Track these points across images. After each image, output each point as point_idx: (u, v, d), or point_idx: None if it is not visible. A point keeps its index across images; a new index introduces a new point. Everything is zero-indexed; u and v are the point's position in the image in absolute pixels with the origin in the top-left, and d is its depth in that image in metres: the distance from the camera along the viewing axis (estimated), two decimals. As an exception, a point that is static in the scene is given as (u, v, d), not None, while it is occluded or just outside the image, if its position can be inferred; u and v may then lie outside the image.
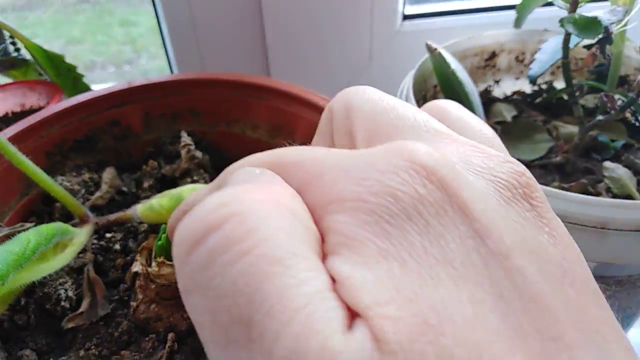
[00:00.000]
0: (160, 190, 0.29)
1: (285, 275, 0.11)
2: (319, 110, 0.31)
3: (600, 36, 0.32)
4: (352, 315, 0.11)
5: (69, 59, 0.39)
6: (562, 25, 0.33)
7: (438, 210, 0.12)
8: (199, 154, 0.32)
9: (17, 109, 0.46)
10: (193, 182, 0.32)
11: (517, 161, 0.14)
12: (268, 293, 0.10)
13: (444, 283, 0.11)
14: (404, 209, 0.12)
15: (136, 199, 0.32)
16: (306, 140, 0.21)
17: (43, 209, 0.31)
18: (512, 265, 0.11)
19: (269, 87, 0.34)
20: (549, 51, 0.37)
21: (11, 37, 0.46)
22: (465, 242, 0.11)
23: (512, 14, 0.47)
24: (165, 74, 0.34)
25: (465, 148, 0.14)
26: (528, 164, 0.41)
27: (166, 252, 0.25)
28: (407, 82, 0.38)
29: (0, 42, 0.48)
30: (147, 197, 0.30)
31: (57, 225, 0.24)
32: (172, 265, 0.25)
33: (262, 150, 0.16)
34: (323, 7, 0.49)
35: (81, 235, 0.27)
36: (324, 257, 0.12)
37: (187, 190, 0.27)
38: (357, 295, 0.11)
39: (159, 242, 0.25)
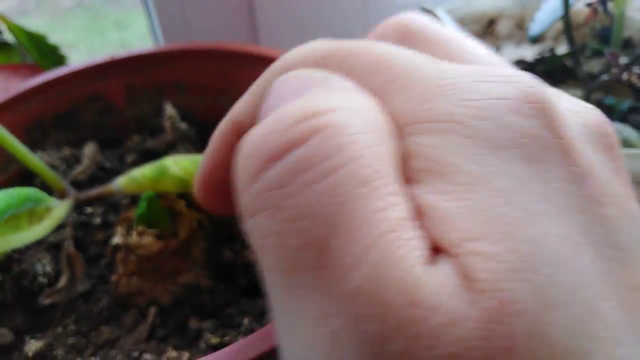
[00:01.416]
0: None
1: (372, 197, 0.09)
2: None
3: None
4: (435, 249, 0.10)
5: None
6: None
7: (543, 146, 0.11)
8: (184, 125, 0.31)
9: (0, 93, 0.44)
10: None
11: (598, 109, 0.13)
12: (351, 216, 0.09)
13: (542, 220, 0.10)
14: (510, 139, 0.10)
15: (119, 175, 0.30)
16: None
17: (22, 185, 0.29)
18: (605, 213, 0.11)
19: (256, 55, 0.32)
20: (548, 10, 0.35)
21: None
22: (565, 182, 0.11)
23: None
24: (148, 47, 0.33)
25: (551, 89, 0.13)
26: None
27: (146, 220, 0.24)
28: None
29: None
30: (131, 172, 0.29)
31: (30, 190, 0.23)
32: (152, 235, 0.23)
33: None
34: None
35: (60, 209, 0.26)
36: (406, 181, 0.11)
37: (170, 161, 0.26)
38: (444, 229, 0.09)
39: (140, 211, 0.23)
